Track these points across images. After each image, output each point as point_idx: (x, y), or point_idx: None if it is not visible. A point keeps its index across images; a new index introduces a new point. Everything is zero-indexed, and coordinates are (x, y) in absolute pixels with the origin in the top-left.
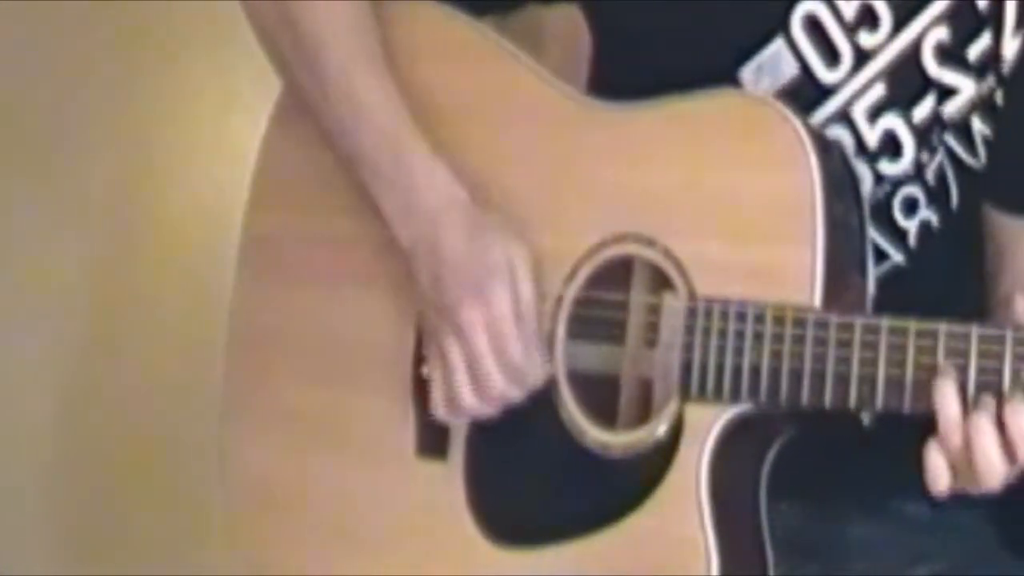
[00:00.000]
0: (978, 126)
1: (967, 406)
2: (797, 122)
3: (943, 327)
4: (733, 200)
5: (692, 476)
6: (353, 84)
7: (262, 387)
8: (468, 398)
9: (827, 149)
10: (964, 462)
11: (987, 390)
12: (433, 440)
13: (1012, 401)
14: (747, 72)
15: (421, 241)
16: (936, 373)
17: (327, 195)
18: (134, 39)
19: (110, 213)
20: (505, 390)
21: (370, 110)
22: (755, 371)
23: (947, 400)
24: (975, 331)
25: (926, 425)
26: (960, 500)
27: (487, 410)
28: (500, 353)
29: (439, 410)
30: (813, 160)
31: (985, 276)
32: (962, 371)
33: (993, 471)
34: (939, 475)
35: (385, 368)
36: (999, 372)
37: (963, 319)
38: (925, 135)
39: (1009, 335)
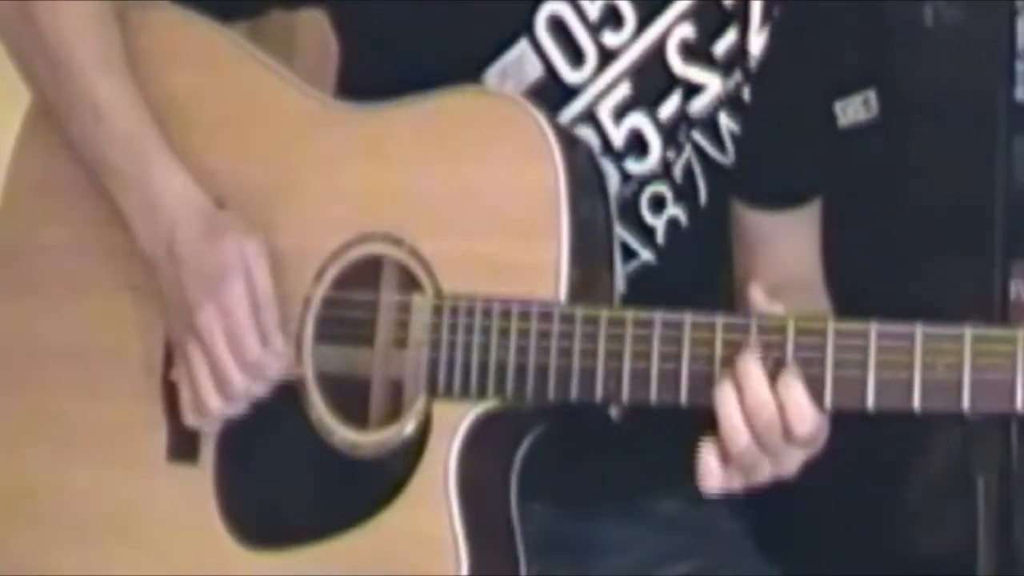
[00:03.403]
0: (725, 122)
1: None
2: (541, 118)
3: (688, 318)
4: (478, 197)
5: (440, 473)
6: (94, 88)
7: (13, 396)
8: (213, 401)
9: (573, 145)
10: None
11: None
12: (184, 444)
13: (784, 375)
14: (491, 75)
15: (161, 247)
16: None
17: (76, 204)
18: None
19: None
20: (247, 388)
21: (112, 115)
22: (501, 367)
23: (752, 374)
24: (720, 320)
25: (680, 424)
26: (714, 499)
27: (234, 410)
28: (238, 353)
29: (188, 416)
30: (558, 155)
31: (734, 272)
32: (708, 360)
33: (807, 423)
34: (711, 469)
35: (137, 374)
36: None
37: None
38: (671, 133)
39: (753, 323)
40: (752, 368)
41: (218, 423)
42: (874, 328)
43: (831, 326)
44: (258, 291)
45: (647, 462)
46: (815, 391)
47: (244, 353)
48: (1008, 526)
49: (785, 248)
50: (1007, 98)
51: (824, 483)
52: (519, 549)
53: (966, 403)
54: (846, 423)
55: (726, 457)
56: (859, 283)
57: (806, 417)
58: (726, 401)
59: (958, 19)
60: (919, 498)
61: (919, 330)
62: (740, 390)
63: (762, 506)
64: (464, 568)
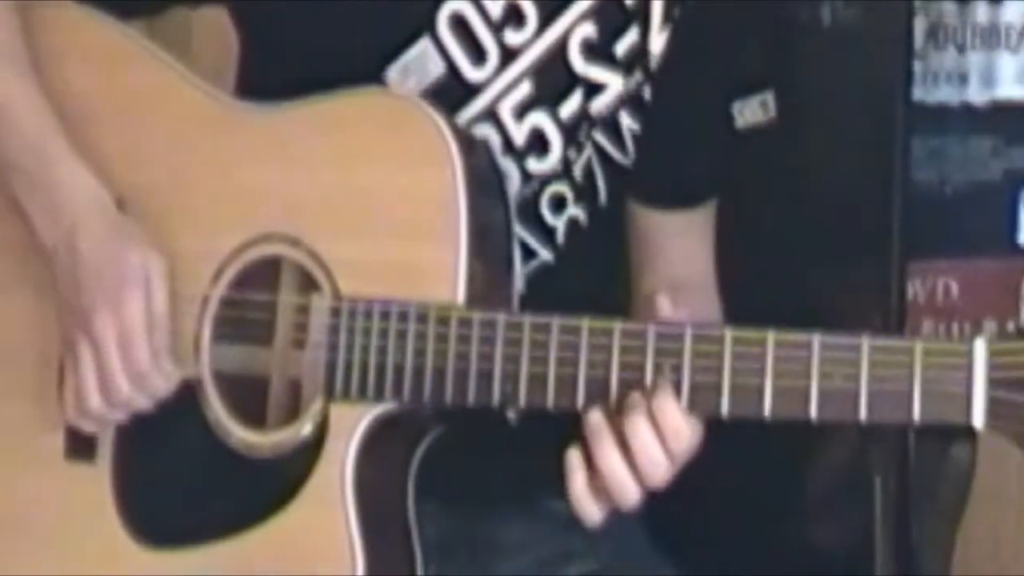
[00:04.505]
0: (626, 122)
1: (610, 402)
2: (440, 120)
3: (586, 323)
4: (377, 199)
5: (337, 475)
6: None
7: None
8: (96, 403)
9: (471, 147)
10: (622, 470)
11: (631, 386)
12: (81, 443)
13: (657, 395)
14: (393, 72)
15: (61, 244)
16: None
17: None
18: None
19: None
20: (131, 397)
21: (13, 111)
22: (399, 370)
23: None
24: (618, 327)
25: (573, 423)
26: None
27: (115, 416)
28: (129, 361)
29: (68, 413)
30: (456, 157)
31: (630, 272)
32: (605, 366)
33: (657, 468)
34: (587, 505)
35: (36, 372)
36: (641, 367)
37: (611, 315)
38: (573, 132)
39: (651, 330)
40: (641, 425)
41: (96, 425)
42: (771, 337)
43: (728, 334)
44: (155, 309)
45: (544, 462)
46: (712, 399)
47: (134, 362)
48: (905, 525)
49: (677, 248)
50: (905, 98)
51: (721, 481)
52: (416, 550)
53: (863, 413)
54: (743, 421)
55: (594, 476)
56: (755, 285)
57: (681, 436)
58: (640, 430)
59: (856, 19)
60: (816, 496)
61: (817, 339)
62: (625, 441)
63: (658, 505)
64: (360, 569)
